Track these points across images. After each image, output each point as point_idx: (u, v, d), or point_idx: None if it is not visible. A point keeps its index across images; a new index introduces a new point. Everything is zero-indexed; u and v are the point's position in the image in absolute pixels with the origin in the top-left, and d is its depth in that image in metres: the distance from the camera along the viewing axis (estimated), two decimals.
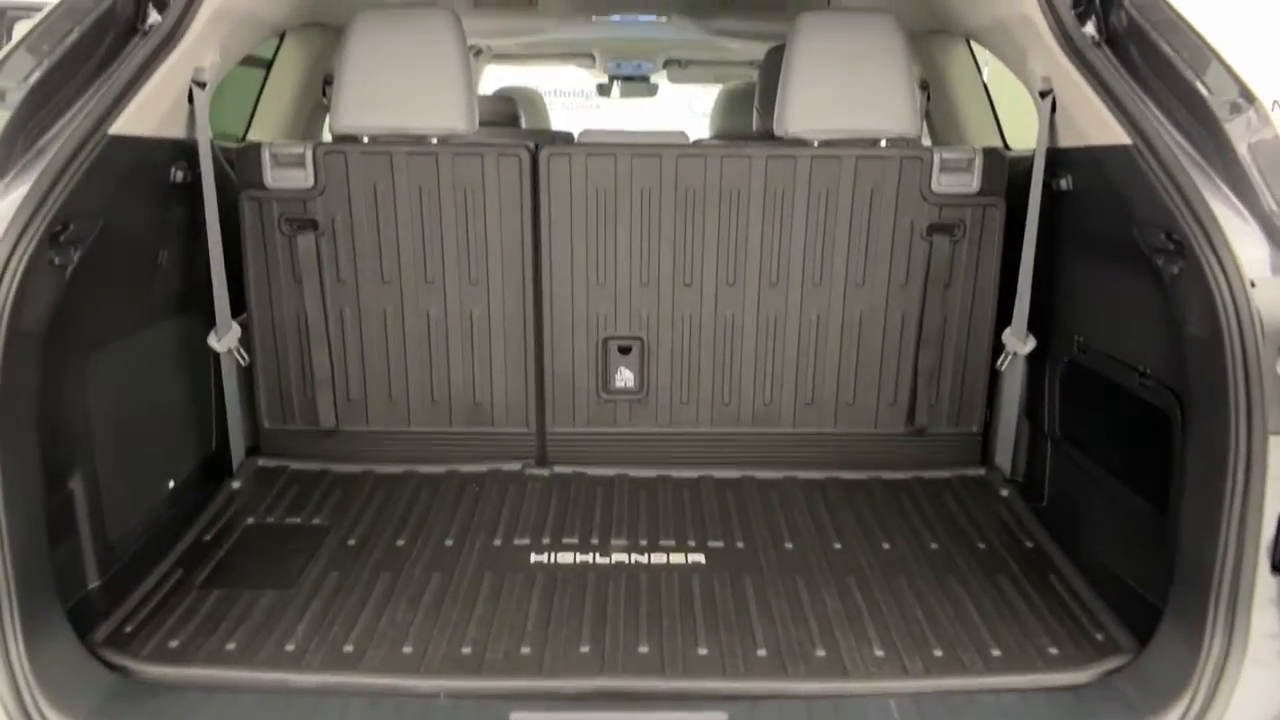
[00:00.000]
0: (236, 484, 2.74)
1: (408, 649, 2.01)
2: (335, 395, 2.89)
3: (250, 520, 2.56)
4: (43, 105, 1.98)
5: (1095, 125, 2.25)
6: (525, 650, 2.02)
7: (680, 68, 6.01)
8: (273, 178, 2.74)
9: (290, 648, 2.01)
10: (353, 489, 2.75)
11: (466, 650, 2.01)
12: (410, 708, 1.87)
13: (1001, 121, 4.03)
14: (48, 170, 1.89)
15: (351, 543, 2.45)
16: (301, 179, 2.74)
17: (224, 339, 2.68)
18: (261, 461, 2.88)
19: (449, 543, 2.46)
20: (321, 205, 2.77)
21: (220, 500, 2.65)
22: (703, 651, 2.02)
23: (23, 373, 1.81)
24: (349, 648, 2.01)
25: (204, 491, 2.70)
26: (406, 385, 2.91)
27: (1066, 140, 2.49)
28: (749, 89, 5.13)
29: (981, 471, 2.90)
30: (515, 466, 2.90)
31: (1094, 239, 2.50)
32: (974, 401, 2.93)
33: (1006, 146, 3.94)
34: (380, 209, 2.78)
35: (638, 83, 6.15)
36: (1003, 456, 2.87)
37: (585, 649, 2.03)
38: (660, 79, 6.24)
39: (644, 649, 2.03)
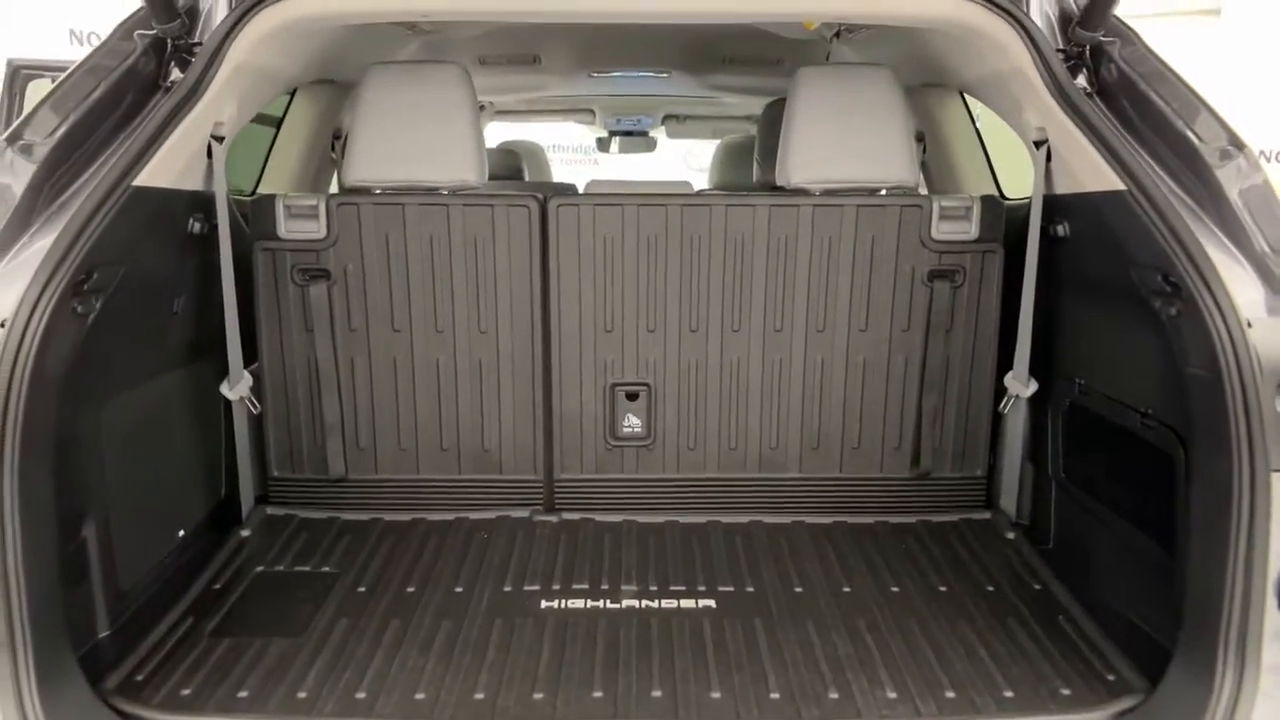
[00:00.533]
0: (245, 532, 2.75)
1: (420, 695, 2.01)
2: (344, 443, 2.91)
3: (260, 568, 2.56)
4: (67, 159, 2.04)
5: (1090, 172, 2.31)
6: (538, 696, 2.01)
7: (679, 123, 6.14)
8: (286, 229, 2.79)
9: (302, 695, 2.01)
10: (361, 536, 2.76)
11: (480, 696, 2.01)
12: None
13: (996, 170, 4.12)
14: (73, 221, 1.94)
15: (361, 590, 2.45)
16: (314, 230, 2.80)
17: (236, 387, 2.71)
18: (270, 510, 2.89)
19: (459, 589, 2.46)
20: (334, 255, 2.82)
21: (230, 548, 2.65)
22: (716, 695, 2.02)
23: (42, 420, 1.84)
24: (361, 694, 2.01)
25: (213, 540, 2.70)
26: (415, 433, 2.94)
27: (1062, 187, 2.55)
28: (747, 142, 5.23)
29: (986, 515, 2.91)
30: (523, 513, 2.91)
31: (1092, 283, 2.55)
32: (977, 445, 2.96)
33: (1002, 195, 4.02)
34: (391, 259, 2.83)
35: (637, 137, 6.26)
36: (1007, 499, 2.88)
37: (598, 694, 2.02)
38: (659, 134, 6.36)
39: (657, 693, 2.03)
